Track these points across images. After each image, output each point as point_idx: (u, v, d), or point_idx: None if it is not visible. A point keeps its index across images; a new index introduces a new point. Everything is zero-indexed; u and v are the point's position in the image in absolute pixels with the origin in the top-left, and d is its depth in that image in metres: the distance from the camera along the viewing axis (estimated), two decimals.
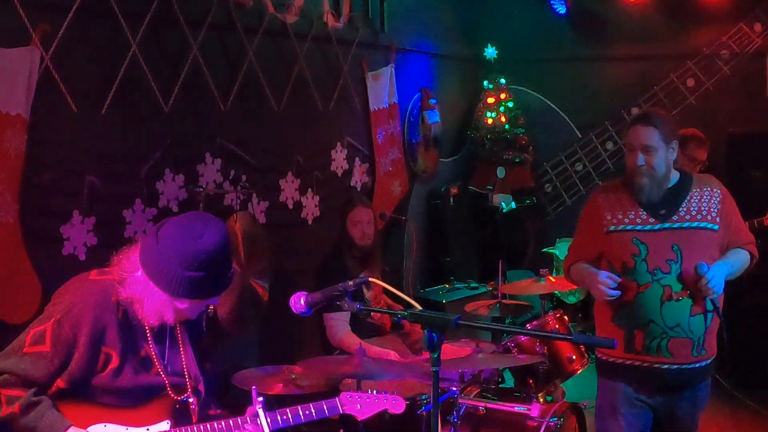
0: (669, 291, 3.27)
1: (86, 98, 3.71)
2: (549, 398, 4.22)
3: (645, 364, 3.34)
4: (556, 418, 3.82)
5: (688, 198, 3.38)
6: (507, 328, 4.18)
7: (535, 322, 4.68)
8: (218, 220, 2.63)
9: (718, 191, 3.42)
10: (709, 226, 3.34)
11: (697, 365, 3.34)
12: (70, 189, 3.69)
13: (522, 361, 4.22)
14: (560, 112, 7.38)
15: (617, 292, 3.29)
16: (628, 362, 3.38)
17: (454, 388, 3.80)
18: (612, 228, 3.39)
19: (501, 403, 4.03)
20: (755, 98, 6.49)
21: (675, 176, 3.42)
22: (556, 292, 5.98)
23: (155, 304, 2.57)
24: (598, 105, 7.18)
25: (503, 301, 4.85)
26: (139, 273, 2.56)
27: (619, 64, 7.19)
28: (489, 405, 3.99)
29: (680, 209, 3.35)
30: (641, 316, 3.31)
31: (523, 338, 4.39)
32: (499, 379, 4.70)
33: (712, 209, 3.37)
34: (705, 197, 3.39)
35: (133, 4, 3.89)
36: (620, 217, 3.39)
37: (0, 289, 3.34)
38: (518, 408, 3.93)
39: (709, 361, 3.39)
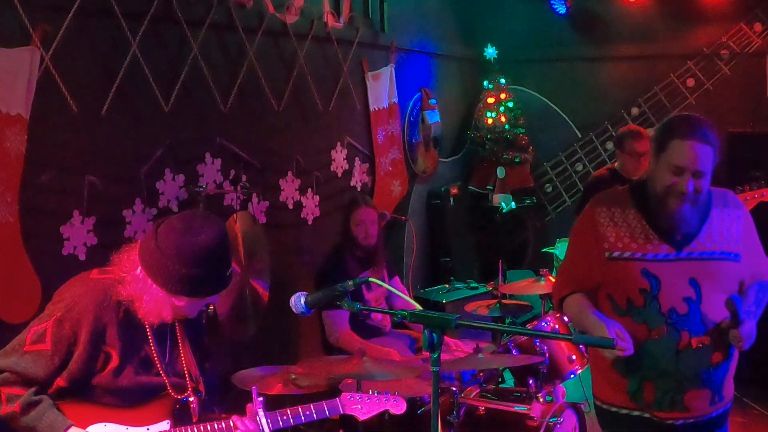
0: (687, 337, 2.66)
1: (86, 98, 3.70)
2: (549, 398, 4.21)
3: (655, 419, 2.77)
4: (556, 418, 3.82)
5: (709, 220, 2.73)
6: (507, 328, 4.17)
7: (535, 322, 4.67)
8: (217, 219, 2.64)
9: (740, 211, 2.79)
10: (733, 255, 2.72)
11: (714, 414, 2.81)
12: (70, 189, 3.69)
13: (522, 361, 4.22)
14: (560, 112, 7.37)
15: (630, 351, 2.62)
16: (636, 413, 2.80)
17: (454, 388, 3.80)
18: (616, 254, 2.73)
19: (501, 403, 4.03)
20: (755, 98, 6.48)
21: None
22: None
23: (153, 302, 2.57)
24: (598, 105, 7.17)
25: (503, 301, 4.85)
26: (139, 271, 2.57)
27: (619, 64, 7.19)
28: (489, 405, 4.00)
29: (700, 234, 2.71)
30: (653, 366, 2.71)
31: (523, 338, 4.39)
32: (499, 379, 4.70)
33: (735, 234, 2.73)
34: (727, 219, 2.75)
35: (133, 4, 3.89)
36: (626, 240, 2.73)
37: (0, 289, 3.34)
38: (518, 408, 3.93)
39: (727, 408, 2.86)
